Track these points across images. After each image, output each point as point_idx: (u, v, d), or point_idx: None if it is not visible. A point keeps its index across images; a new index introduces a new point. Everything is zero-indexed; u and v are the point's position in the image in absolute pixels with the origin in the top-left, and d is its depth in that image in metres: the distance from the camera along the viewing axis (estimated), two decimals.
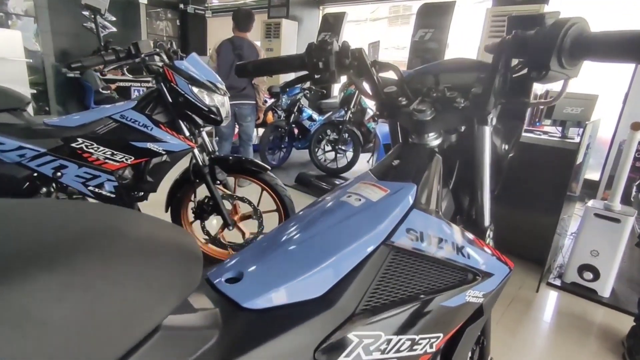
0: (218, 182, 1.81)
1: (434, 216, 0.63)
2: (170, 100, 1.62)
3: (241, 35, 3.58)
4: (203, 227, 1.98)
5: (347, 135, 4.58)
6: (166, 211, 1.92)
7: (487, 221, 0.82)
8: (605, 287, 2.43)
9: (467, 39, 5.53)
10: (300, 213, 0.64)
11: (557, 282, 2.57)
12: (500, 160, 0.79)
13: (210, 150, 1.86)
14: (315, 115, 5.21)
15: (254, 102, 3.74)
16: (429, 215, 0.63)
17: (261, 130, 6.12)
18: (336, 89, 6.77)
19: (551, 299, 2.45)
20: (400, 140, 0.82)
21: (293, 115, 4.98)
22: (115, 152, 1.53)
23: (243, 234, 2.02)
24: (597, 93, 2.88)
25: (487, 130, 0.70)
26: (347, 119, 4.44)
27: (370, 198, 0.61)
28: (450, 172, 0.83)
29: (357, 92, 4.48)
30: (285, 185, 4.33)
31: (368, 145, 4.84)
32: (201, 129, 1.78)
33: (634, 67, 4.08)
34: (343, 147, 4.65)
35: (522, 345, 1.92)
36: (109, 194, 1.58)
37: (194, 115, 1.67)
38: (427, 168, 0.68)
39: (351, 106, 4.43)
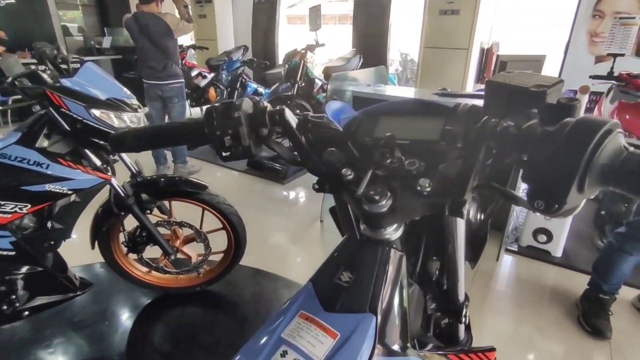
0: (148, 211, 1.55)
1: (406, 356, 0.47)
2: (66, 128, 1.29)
3: (145, 8, 3.11)
4: (141, 259, 1.73)
5: (296, 110, 4.30)
6: (92, 248, 1.64)
7: (462, 297, 0.69)
8: (557, 248, 2.52)
9: None
10: None
11: (514, 247, 2.63)
12: (478, 231, 0.64)
13: (135, 172, 1.57)
14: (261, 89, 4.85)
15: (180, 81, 3.39)
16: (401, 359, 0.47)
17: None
18: (281, 57, 6.32)
19: (510, 265, 2.51)
20: (351, 225, 0.63)
21: (236, 91, 4.58)
22: (2, 203, 1.22)
23: (189, 257, 1.80)
24: (545, 53, 2.82)
25: (461, 220, 0.54)
26: (294, 92, 4.15)
27: (313, 356, 0.44)
28: (414, 247, 0.67)
29: (302, 62, 4.15)
30: (238, 171, 4.11)
31: None
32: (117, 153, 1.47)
33: (571, 27, 4.07)
34: None
35: (484, 319, 1.95)
36: (6, 253, 1.28)
37: (102, 142, 1.36)
38: (387, 279, 0.51)
39: (298, 78, 4.12)
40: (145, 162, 1.72)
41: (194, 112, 6.17)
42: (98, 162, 1.38)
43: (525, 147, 0.38)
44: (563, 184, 0.34)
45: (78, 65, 1.39)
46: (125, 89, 1.42)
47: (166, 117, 3.57)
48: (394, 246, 0.53)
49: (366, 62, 5.12)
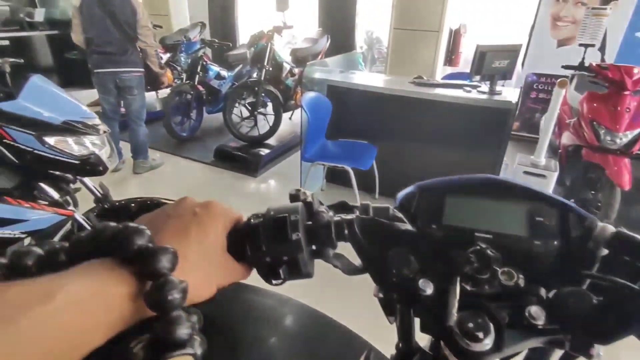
0: None
1: None
2: (13, 160, 1.05)
3: None
4: None
5: (263, 95, 4.04)
6: None
7: None
8: None
9: None
10: None
11: None
12: None
13: (100, 196, 1.35)
14: (224, 72, 4.52)
15: (140, 70, 3.02)
16: None
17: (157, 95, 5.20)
18: (241, 35, 5.90)
19: None
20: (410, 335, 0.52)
21: (197, 75, 4.22)
22: None
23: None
24: (521, 42, 2.81)
25: None
26: (262, 78, 3.88)
27: None
28: None
29: (269, 45, 3.87)
30: (204, 163, 3.85)
31: (289, 102, 4.39)
32: (77, 179, 1.24)
33: (536, 10, 4.12)
34: (262, 111, 4.14)
35: None
36: None
37: (58, 173, 1.13)
38: None
39: (265, 63, 3.85)
40: None
41: (148, 96, 5.68)
42: (56, 195, 1.15)
43: None
44: None
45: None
46: (83, 107, 1.17)
47: (121, 109, 3.21)
48: None
49: (333, 42, 4.91)
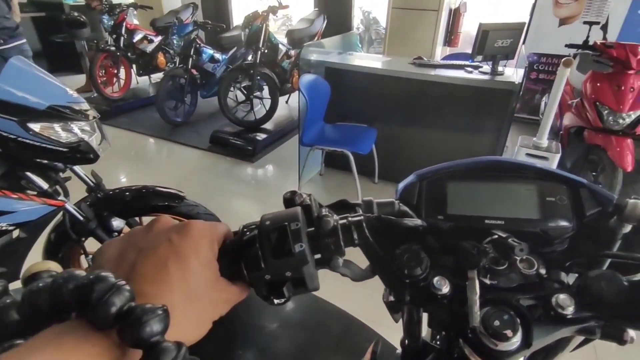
0: (115, 233, 1.30)
1: None
2: None
3: None
4: None
5: (259, 78, 3.93)
6: None
7: None
8: None
9: None
10: None
11: None
12: None
13: (93, 185, 1.29)
14: (218, 55, 4.39)
15: None
16: None
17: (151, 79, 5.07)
18: (236, 18, 5.73)
19: None
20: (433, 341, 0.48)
21: (191, 59, 4.09)
22: None
23: None
24: (524, 20, 2.72)
25: None
26: (257, 61, 3.77)
27: None
28: None
29: (265, 26, 3.75)
30: (200, 149, 3.77)
31: (285, 85, 4.29)
32: (67, 168, 1.18)
33: None
34: (258, 94, 4.04)
35: None
36: None
37: (46, 161, 1.07)
38: None
39: (260, 45, 3.73)
40: None
41: (141, 81, 5.53)
42: (45, 185, 1.09)
43: None
44: None
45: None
46: (70, 90, 1.10)
47: None
48: None
49: (330, 23, 4.77)
